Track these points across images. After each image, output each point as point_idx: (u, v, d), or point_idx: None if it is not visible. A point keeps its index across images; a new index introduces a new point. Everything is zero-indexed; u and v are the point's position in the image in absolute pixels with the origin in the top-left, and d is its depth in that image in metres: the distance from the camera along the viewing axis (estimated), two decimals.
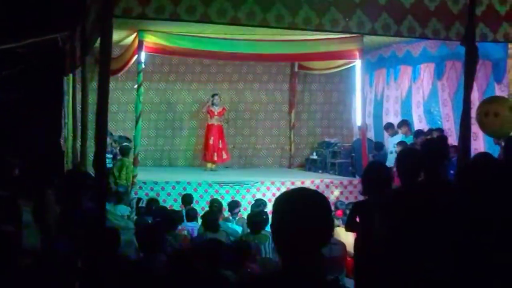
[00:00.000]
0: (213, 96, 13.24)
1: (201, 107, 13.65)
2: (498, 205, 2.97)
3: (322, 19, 6.00)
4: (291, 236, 2.19)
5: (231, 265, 5.68)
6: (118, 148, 11.64)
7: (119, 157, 11.31)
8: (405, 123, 12.11)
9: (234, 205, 9.86)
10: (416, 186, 4.41)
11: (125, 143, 11.64)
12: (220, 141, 13.18)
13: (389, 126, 12.47)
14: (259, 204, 9.79)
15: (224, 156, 13.34)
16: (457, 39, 6.35)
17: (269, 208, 9.03)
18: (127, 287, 4.73)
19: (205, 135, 13.37)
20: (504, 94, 9.59)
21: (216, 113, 13.15)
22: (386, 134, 12.92)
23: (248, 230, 7.78)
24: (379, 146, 12.73)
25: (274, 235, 2.29)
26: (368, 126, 13.02)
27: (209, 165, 13.19)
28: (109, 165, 10.59)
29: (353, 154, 12.98)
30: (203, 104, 13.55)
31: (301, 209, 2.21)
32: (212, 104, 13.14)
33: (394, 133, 12.21)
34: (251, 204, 10.22)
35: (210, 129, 13.18)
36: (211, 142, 13.06)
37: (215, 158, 13.10)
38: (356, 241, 5.38)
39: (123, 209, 9.08)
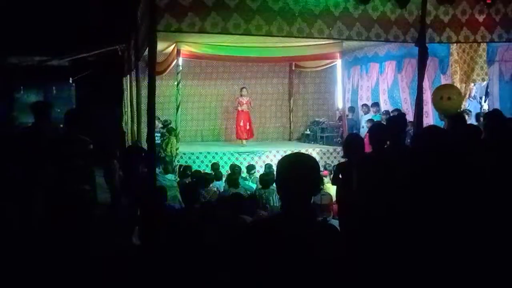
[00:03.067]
0: (241, 89, 12.97)
1: (235, 103, 13.14)
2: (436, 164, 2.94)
3: (311, 29, 5.91)
4: (290, 188, 2.17)
5: (248, 211, 5.69)
6: (165, 129, 11.65)
7: (166, 135, 11.32)
8: (376, 104, 12.05)
9: (251, 168, 9.88)
10: (383, 151, 4.39)
11: (171, 126, 11.65)
12: (248, 123, 12.88)
13: (363, 105, 12.43)
14: (269, 166, 9.83)
15: (253, 133, 13.09)
16: (412, 41, 6.26)
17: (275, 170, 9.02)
18: (173, 229, 4.76)
19: (236, 119, 13.03)
20: (448, 83, 9.48)
21: (244, 102, 12.80)
22: (360, 113, 12.86)
23: (260, 186, 7.80)
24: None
25: (277, 188, 2.27)
26: (347, 108, 12.91)
27: (243, 141, 12.84)
28: (157, 142, 10.61)
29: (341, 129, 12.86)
30: (235, 99, 13.16)
31: (297, 167, 2.19)
32: (241, 95, 12.84)
33: (366, 112, 12.14)
34: (263, 166, 10.26)
35: (240, 115, 12.84)
36: (241, 124, 12.78)
37: (245, 136, 12.82)
38: (338, 191, 5.38)
39: (170, 177, 9.10)
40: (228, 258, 3.71)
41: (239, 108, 12.82)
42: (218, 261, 3.80)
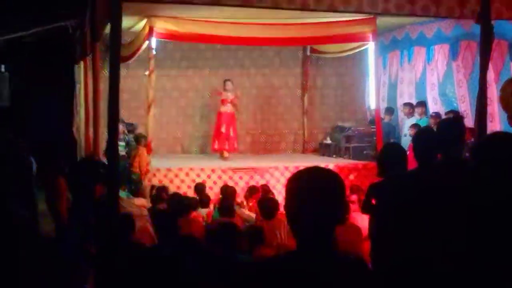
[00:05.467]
0: (225, 82, 12.91)
1: (214, 93, 13.30)
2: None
3: None
4: (307, 215, 2.17)
5: (247, 250, 5.68)
6: (131, 135, 11.68)
7: (133, 144, 11.32)
8: (422, 104, 12.09)
9: (254, 191, 9.84)
10: (431, 167, 4.37)
11: (139, 132, 11.67)
12: (231, 129, 12.88)
13: (405, 105, 12.45)
14: (265, 190, 9.86)
15: (235, 145, 13.04)
16: (472, 17, 6.28)
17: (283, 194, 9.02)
18: (142, 272, 4.74)
19: (216, 122, 13.03)
20: None
21: (229, 100, 12.79)
22: (400, 116, 12.87)
23: (262, 216, 7.77)
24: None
25: (288, 215, 2.26)
26: (383, 109, 12.98)
27: (223, 153, 12.83)
28: (122, 153, 10.63)
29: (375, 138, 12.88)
30: (214, 91, 13.30)
31: (316, 186, 2.19)
32: (225, 90, 12.78)
33: (410, 114, 12.17)
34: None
35: (222, 117, 12.85)
36: (223, 130, 12.74)
37: (227, 147, 12.82)
38: (370, 222, 5.36)
39: (138, 202, 9.09)
40: None
41: (221, 109, 12.88)
42: None
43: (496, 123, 9.90)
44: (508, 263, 2.80)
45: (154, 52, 10.99)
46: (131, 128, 11.91)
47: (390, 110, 12.99)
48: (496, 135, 3.37)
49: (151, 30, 10.48)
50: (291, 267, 2.15)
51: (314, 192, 2.17)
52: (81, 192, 6.01)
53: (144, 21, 10.70)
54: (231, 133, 12.89)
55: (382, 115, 12.53)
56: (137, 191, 9.89)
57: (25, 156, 5.71)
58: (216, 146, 12.99)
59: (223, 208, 7.75)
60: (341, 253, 2.23)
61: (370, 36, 11.18)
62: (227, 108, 12.83)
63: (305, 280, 2.10)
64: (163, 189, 9.44)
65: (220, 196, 9.42)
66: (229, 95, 12.83)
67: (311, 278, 2.11)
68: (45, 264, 5.13)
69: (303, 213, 2.18)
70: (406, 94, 13.12)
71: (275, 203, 7.69)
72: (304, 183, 2.22)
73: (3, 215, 5.08)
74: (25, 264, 4.86)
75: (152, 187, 10.26)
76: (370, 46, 11.86)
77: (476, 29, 6.15)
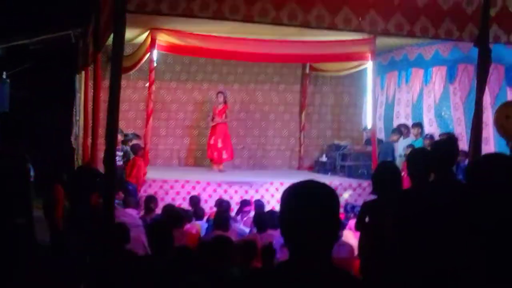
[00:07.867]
0: (217, 94, 13.12)
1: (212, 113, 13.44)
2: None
3: (335, 17, 5.99)
4: (301, 229, 2.17)
5: (239, 263, 5.67)
6: (127, 145, 11.67)
7: (130, 154, 11.33)
8: (418, 125, 12.12)
9: (246, 204, 9.85)
10: (426, 186, 4.39)
11: (137, 142, 11.67)
12: (220, 140, 12.97)
13: (401, 126, 12.46)
14: (258, 205, 9.86)
15: (224, 156, 13.06)
16: (470, 40, 6.33)
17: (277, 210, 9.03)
18: (135, 282, 4.73)
19: (209, 135, 13.31)
20: None
21: (216, 112, 13.00)
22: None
23: (255, 230, 7.77)
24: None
25: (283, 226, 2.26)
26: (379, 129, 13.01)
27: (217, 165, 13.02)
28: (119, 163, 10.62)
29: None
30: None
31: (312, 199, 2.19)
32: (218, 103, 13.01)
33: (405, 135, 12.20)
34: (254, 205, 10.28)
35: (212, 129, 13.10)
36: (211, 142, 12.97)
37: (216, 157, 12.97)
38: (361, 240, 5.36)
39: (133, 211, 9.07)
40: None
41: (212, 123, 13.12)
42: None
43: (490, 146, 9.94)
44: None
45: (155, 64, 11.03)
46: (127, 138, 11.91)
47: (398, 131, 12.63)
48: (492, 156, 3.37)
49: (153, 42, 10.51)
50: (283, 278, 2.15)
51: (309, 204, 2.18)
52: (78, 200, 6.02)
53: (147, 33, 10.73)
54: (219, 144, 12.97)
55: (389, 135, 12.54)
56: (130, 201, 9.85)
57: (22, 164, 5.67)
58: (208, 156, 13.30)
59: (218, 221, 7.74)
60: (334, 267, 2.22)
61: (369, 55, 11.24)
62: (217, 120, 13.01)
63: None
64: (151, 199, 9.42)
65: (215, 209, 9.42)
66: (219, 107, 13.00)
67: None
68: (41, 270, 5.13)
69: (298, 226, 2.18)
70: (403, 115, 13.17)
71: (268, 217, 7.70)
72: (299, 196, 2.22)
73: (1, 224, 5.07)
74: (22, 270, 4.85)
75: (146, 197, 10.25)
76: (369, 66, 11.90)
77: (474, 52, 6.20)
